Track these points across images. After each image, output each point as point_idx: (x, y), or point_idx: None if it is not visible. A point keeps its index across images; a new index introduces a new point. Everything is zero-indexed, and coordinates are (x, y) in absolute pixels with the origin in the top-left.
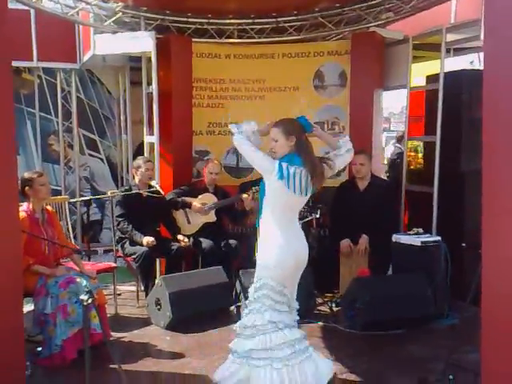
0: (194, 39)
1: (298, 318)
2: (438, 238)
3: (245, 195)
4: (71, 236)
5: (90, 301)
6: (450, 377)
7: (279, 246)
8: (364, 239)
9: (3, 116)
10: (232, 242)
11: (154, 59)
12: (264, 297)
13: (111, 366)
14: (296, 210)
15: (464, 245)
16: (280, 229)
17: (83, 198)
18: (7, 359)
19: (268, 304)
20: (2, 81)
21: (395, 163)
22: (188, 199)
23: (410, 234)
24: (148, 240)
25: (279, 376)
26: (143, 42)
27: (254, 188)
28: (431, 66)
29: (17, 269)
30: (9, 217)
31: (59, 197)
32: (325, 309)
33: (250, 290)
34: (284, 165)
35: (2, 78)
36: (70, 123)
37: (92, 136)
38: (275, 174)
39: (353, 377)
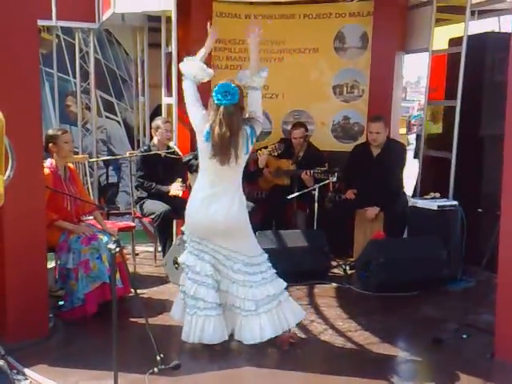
0: None
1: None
2: (455, 202)
3: (259, 152)
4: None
5: (117, 249)
6: (464, 336)
7: (192, 201)
8: (372, 210)
9: (29, 73)
10: (248, 204)
11: (174, 18)
12: (187, 239)
13: (131, 319)
14: (222, 177)
15: (480, 210)
16: (200, 186)
17: (102, 158)
18: (33, 310)
19: (189, 247)
20: (29, 39)
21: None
22: None
23: (426, 199)
24: (174, 188)
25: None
26: (164, 0)
27: (273, 145)
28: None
29: (41, 223)
30: (33, 172)
31: (80, 156)
32: (339, 271)
33: None
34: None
35: (28, 36)
36: (88, 84)
37: (109, 98)
38: (202, 136)
39: (366, 334)
